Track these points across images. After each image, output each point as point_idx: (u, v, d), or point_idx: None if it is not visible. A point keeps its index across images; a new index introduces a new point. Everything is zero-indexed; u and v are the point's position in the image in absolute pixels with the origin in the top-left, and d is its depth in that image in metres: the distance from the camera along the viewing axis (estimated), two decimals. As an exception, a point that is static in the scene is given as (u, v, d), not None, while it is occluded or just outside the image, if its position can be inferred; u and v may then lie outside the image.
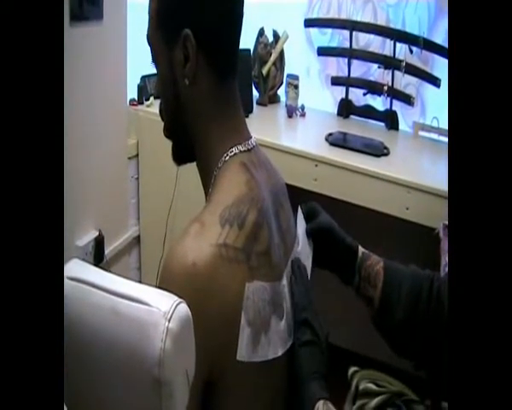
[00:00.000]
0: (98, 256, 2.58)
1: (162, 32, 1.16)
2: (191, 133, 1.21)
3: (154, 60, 1.21)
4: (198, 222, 1.10)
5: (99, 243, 2.59)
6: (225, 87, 1.19)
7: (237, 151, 1.19)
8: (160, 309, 0.88)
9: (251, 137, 1.24)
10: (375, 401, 1.44)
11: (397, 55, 2.78)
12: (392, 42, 2.78)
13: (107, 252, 2.69)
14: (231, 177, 1.17)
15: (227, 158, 1.18)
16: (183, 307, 0.90)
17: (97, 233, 2.60)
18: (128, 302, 0.90)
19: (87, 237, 2.55)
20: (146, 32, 1.19)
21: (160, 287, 1.01)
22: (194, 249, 1.06)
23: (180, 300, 0.90)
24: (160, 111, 1.27)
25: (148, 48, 1.22)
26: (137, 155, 2.96)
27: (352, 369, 1.53)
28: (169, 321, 0.87)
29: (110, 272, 0.99)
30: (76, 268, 0.98)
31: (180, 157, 1.29)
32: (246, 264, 1.10)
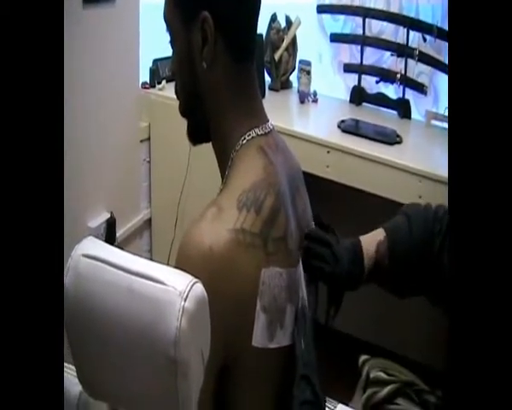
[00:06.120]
0: (110, 238, 2.59)
1: (180, 12, 1.15)
2: (207, 114, 1.21)
3: (171, 39, 1.20)
4: (215, 206, 1.10)
5: (111, 225, 2.61)
6: (243, 70, 1.18)
7: (255, 135, 1.18)
8: (175, 288, 0.88)
9: (268, 121, 1.23)
10: (385, 390, 1.43)
11: (410, 43, 2.76)
12: (405, 30, 2.76)
13: (118, 234, 2.70)
14: (249, 161, 1.16)
15: (244, 141, 1.17)
16: (199, 287, 0.90)
17: (109, 215, 2.61)
18: (144, 281, 0.90)
19: (99, 219, 2.57)
20: (163, 10, 1.19)
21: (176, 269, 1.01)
22: (211, 233, 1.07)
23: (196, 279, 0.91)
24: (176, 91, 1.26)
25: (161, 31, 1.21)
26: (149, 138, 2.96)
27: (363, 357, 1.52)
28: (185, 300, 0.87)
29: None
30: (91, 246, 0.98)
31: (195, 137, 1.28)
32: (262, 249, 1.10)
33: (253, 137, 1.18)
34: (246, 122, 1.19)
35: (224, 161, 1.20)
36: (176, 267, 1.05)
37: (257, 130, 1.19)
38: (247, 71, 1.19)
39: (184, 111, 1.26)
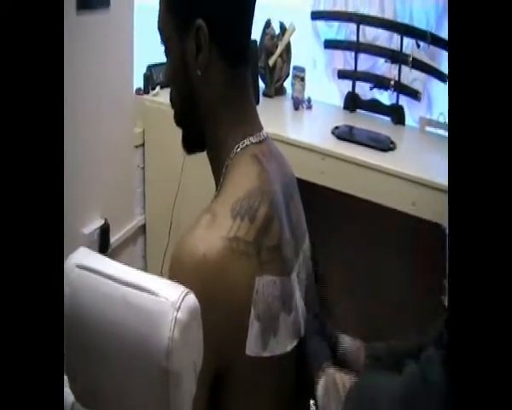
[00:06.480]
0: (104, 245, 2.59)
1: (174, 21, 1.15)
2: (202, 123, 1.21)
3: (165, 47, 1.20)
4: (209, 213, 1.11)
5: (105, 231, 2.60)
6: (237, 78, 1.19)
7: (249, 143, 1.19)
8: (168, 299, 0.88)
9: (262, 129, 1.24)
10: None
11: (404, 50, 2.76)
12: (399, 36, 2.76)
13: (112, 240, 2.69)
14: (243, 169, 1.17)
15: (239, 149, 1.18)
16: (191, 298, 0.90)
17: (103, 222, 2.61)
18: (137, 292, 0.90)
19: (93, 226, 2.56)
20: (157, 19, 1.19)
21: (170, 277, 1.01)
22: (204, 241, 1.07)
23: (188, 290, 0.91)
24: (171, 99, 1.26)
25: (155, 38, 1.22)
26: (143, 144, 2.96)
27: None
28: (177, 311, 0.88)
29: (116, 260, 0.99)
30: (83, 256, 0.98)
31: (190, 146, 1.29)
32: (256, 258, 1.11)
33: (247, 146, 1.18)
34: (240, 130, 1.19)
35: (219, 169, 1.21)
36: (169, 275, 1.06)
37: (251, 138, 1.19)
38: (241, 77, 1.20)
39: (179, 120, 1.27)
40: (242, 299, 1.09)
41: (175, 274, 1.05)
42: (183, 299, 0.89)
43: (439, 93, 2.78)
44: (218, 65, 1.15)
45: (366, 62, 2.94)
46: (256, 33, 2.94)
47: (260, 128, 1.23)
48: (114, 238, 2.73)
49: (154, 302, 0.88)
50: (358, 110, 2.96)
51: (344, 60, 3.04)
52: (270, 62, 2.99)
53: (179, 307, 0.88)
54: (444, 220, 2.10)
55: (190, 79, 1.17)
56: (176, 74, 1.21)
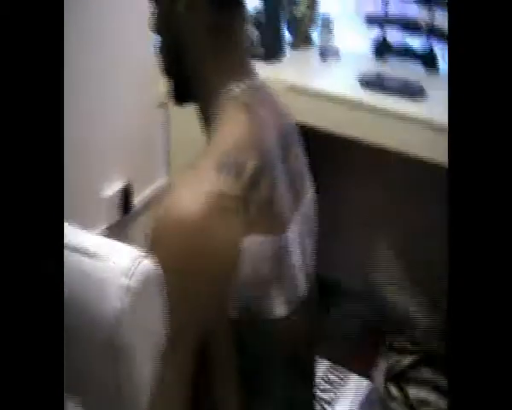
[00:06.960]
0: (126, 207, 2.56)
1: None
2: (189, 69, 1.16)
3: None
4: (192, 168, 1.05)
5: (127, 193, 2.57)
6: (225, 19, 1.12)
7: (239, 89, 1.12)
8: (118, 265, 0.83)
9: (256, 76, 1.18)
10: (409, 359, 1.42)
11: (437, -9, 2.64)
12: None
13: (135, 202, 2.66)
14: (232, 118, 1.11)
15: (228, 97, 1.12)
16: (147, 264, 0.85)
17: (125, 183, 2.57)
18: (89, 259, 0.86)
19: (114, 187, 2.53)
20: None
21: (151, 241, 0.95)
22: (186, 199, 1.00)
23: (143, 256, 0.85)
24: (158, 48, 1.22)
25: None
26: (167, 103, 2.90)
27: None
28: (129, 278, 0.82)
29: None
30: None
31: (179, 96, 1.25)
32: (243, 215, 1.03)
33: (237, 93, 1.12)
34: (229, 76, 1.14)
35: (207, 120, 1.17)
36: (151, 237, 0.99)
37: (242, 85, 1.13)
38: (229, 19, 1.13)
39: (166, 69, 1.23)
40: (228, 261, 1.02)
41: (156, 237, 0.99)
42: (136, 265, 0.82)
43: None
44: (202, 3, 1.10)
45: (397, 6, 2.81)
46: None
47: (254, 75, 1.18)
48: (137, 200, 2.69)
49: (103, 269, 0.83)
50: (389, 57, 2.84)
51: (373, 4, 2.91)
52: (296, 12, 2.89)
53: (132, 274, 0.82)
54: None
55: (175, 22, 1.13)
56: (161, 20, 1.17)
